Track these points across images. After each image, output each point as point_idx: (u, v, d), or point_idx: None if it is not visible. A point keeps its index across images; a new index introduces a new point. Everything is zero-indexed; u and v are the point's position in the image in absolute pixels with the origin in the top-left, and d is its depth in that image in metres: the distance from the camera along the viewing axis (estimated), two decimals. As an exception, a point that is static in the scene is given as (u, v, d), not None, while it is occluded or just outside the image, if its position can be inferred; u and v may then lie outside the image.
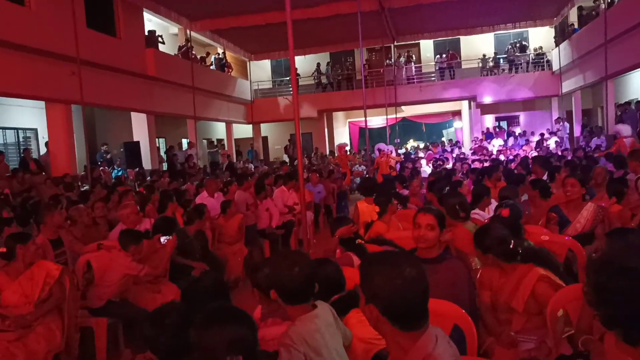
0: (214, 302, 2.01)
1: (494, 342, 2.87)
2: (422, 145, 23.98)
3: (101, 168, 13.13)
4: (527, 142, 18.12)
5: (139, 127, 15.06)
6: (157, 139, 16.45)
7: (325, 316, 2.14)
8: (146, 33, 15.09)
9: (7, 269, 3.76)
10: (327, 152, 22.53)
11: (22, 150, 12.57)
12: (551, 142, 16.66)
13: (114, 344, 4.36)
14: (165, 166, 15.73)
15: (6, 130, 13.94)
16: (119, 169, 13.94)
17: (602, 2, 14.83)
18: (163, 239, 4.65)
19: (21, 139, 14.31)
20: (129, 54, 13.62)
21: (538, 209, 5.08)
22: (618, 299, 1.20)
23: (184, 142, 19.11)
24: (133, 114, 14.96)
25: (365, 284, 1.57)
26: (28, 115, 14.09)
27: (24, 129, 14.46)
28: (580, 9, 17.94)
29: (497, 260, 2.95)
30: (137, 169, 13.30)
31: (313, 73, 23.38)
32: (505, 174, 7.56)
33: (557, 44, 20.00)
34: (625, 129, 11.20)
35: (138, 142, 14.79)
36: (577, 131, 18.58)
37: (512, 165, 10.35)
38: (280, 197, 8.32)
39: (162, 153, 16.81)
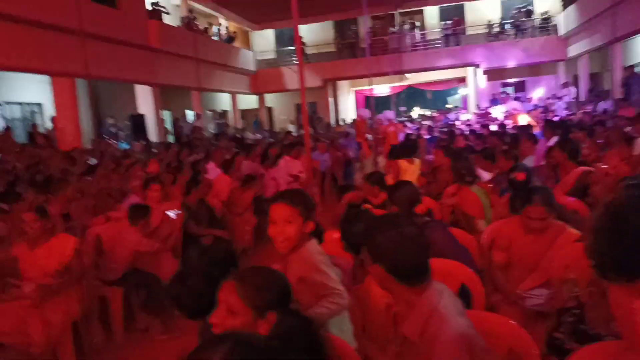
0: (224, 270, 2.04)
1: (501, 300, 2.94)
2: (427, 113, 23.81)
3: (110, 141, 13.18)
4: (536, 107, 17.93)
5: (144, 99, 15.02)
6: (162, 112, 16.46)
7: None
8: (149, 4, 14.93)
9: (28, 239, 3.84)
10: (333, 121, 22.48)
11: (28, 125, 12.62)
12: (559, 108, 16.52)
13: (128, 311, 4.49)
14: (171, 138, 15.76)
15: (12, 105, 13.98)
16: (125, 141, 13.99)
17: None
18: (173, 213, 4.71)
19: (26, 114, 14.34)
20: (131, 26, 13.49)
21: (567, 172, 4.71)
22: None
23: (189, 113, 19.08)
24: (137, 87, 14.91)
25: (369, 244, 1.64)
26: (32, 90, 14.08)
27: (29, 104, 14.48)
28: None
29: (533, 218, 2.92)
30: (143, 141, 13.34)
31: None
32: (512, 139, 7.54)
33: (564, 7, 19.64)
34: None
35: (143, 115, 14.79)
36: (583, 96, 18.38)
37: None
38: (284, 167, 8.35)
39: (167, 125, 16.81)
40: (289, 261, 2.24)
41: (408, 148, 5.98)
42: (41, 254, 3.77)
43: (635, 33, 14.01)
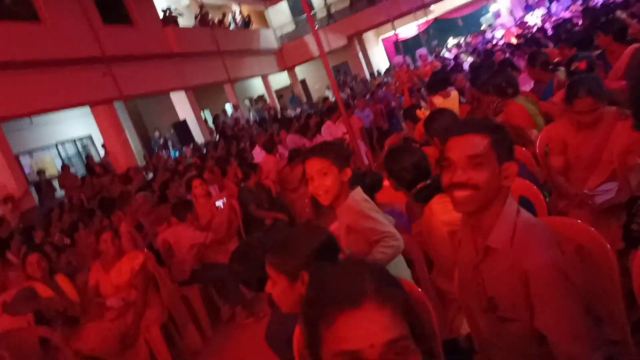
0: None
1: (568, 204, 2.78)
2: (462, 41, 22.82)
3: (161, 152, 13.59)
4: (574, 1, 16.72)
5: (181, 105, 15.32)
6: (202, 112, 16.71)
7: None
8: (160, 12, 15.09)
9: (102, 261, 4.04)
10: (369, 75, 22.05)
11: (84, 158, 13.25)
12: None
13: (211, 306, 4.67)
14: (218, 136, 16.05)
15: (67, 144, 14.70)
16: (174, 150, 14.37)
17: None
18: (219, 203, 4.81)
19: (80, 148, 15.03)
20: (149, 38, 13.70)
21: (617, 56, 4.25)
22: None
23: (228, 107, 19.31)
24: (173, 95, 15.21)
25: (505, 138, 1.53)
26: (81, 125, 14.72)
27: (81, 138, 15.16)
28: None
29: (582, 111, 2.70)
30: (191, 145, 13.66)
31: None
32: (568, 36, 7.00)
33: None
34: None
35: (184, 121, 15.10)
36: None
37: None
38: (328, 132, 8.27)
39: (210, 124, 17.10)
40: (337, 214, 2.22)
41: (438, 82, 5.68)
42: (115, 272, 3.95)
43: None
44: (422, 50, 14.07)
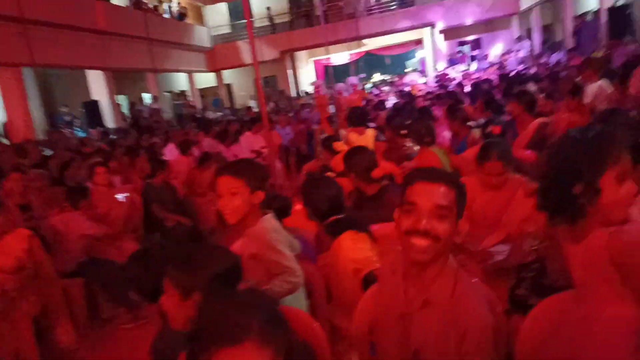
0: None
1: (465, 259, 2.94)
2: (387, 78, 23.74)
3: (65, 130, 12.71)
4: (491, 65, 18.08)
5: (97, 85, 14.50)
6: (118, 97, 15.93)
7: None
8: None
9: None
10: (295, 93, 22.22)
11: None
12: (511, 61, 16.64)
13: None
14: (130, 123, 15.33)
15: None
16: (80, 130, 13.54)
17: None
18: (121, 196, 4.60)
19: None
20: (77, 9, 12.88)
21: (524, 125, 4.55)
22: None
23: (146, 97, 18.57)
24: (89, 73, 14.37)
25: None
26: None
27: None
28: None
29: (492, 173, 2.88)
30: (100, 128, 12.95)
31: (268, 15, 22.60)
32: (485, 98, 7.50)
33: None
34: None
35: (96, 101, 14.29)
36: (537, 48, 18.59)
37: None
38: (245, 143, 8.20)
39: (124, 110, 16.33)
40: (244, 237, 2.19)
41: (358, 117, 5.74)
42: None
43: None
44: (353, 79, 14.42)
